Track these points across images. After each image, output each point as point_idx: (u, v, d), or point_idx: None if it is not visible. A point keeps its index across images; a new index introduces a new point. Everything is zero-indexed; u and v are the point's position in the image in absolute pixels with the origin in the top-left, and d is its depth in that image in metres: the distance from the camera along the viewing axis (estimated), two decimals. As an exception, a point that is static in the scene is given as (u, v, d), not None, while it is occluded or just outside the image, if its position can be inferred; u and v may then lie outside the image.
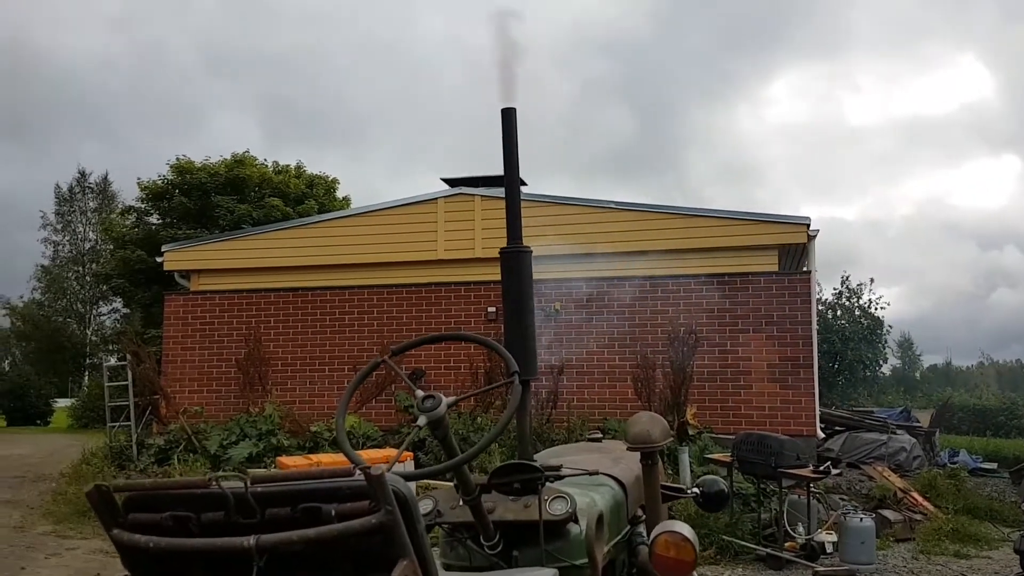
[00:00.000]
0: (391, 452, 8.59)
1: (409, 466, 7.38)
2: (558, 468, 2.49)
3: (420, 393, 2.04)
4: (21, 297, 47.31)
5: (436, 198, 13.57)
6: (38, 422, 31.50)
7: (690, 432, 8.66)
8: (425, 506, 2.32)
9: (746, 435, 7.88)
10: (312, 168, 30.03)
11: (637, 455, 2.80)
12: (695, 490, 3.16)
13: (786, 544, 7.26)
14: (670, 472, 8.42)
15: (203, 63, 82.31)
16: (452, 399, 2.04)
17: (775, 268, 11.92)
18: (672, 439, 2.97)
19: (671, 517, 3.71)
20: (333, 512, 1.29)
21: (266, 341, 12.56)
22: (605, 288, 11.78)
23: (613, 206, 12.77)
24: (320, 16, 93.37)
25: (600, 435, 3.70)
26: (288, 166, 29.05)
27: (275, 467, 9.12)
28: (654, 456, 2.75)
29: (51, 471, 12.98)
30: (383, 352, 2.42)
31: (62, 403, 35.09)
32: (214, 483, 1.34)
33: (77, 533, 8.26)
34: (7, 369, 44.85)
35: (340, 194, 30.33)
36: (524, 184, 16.89)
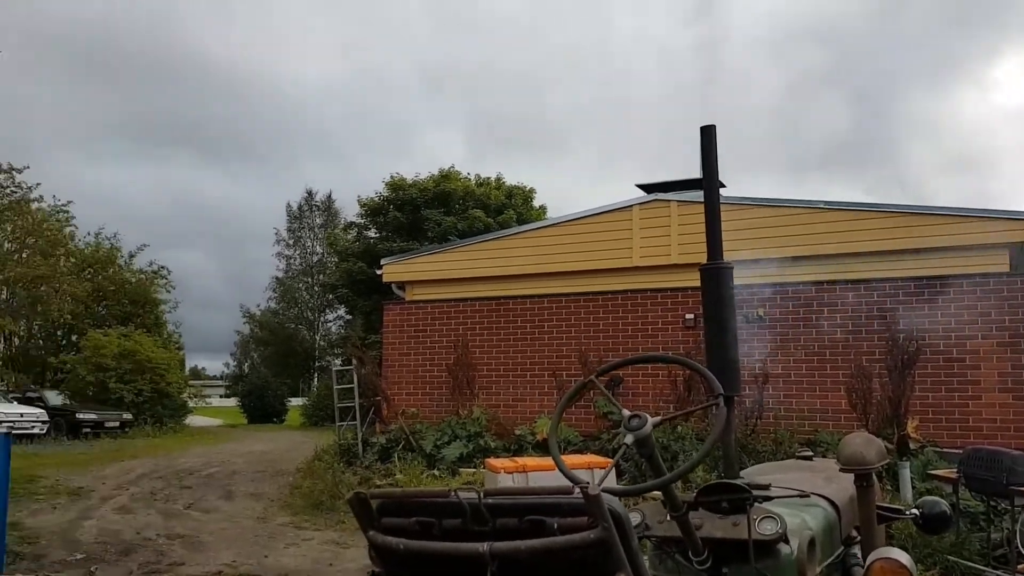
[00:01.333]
0: (592, 458, 8.77)
1: (611, 474, 7.51)
2: (767, 487, 2.52)
3: (626, 412, 2.16)
4: (258, 306, 53.04)
5: (631, 205, 13.65)
6: (274, 420, 34.97)
7: (911, 446, 8.09)
8: (633, 519, 2.44)
9: (974, 450, 7.22)
10: (511, 179, 31.16)
11: (851, 474, 2.74)
12: (914, 511, 3.02)
13: (1019, 566, 6.59)
14: (889, 488, 7.91)
15: (417, 82, 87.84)
16: (658, 419, 2.14)
17: (1006, 268, 10.80)
18: (888, 460, 2.87)
19: (889, 537, 3.55)
20: (556, 525, 1.46)
21: (473, 347, 13.24)
22: (814, 292, 11.25)
23: (822, 206, 12.16)
24: (520, 25, 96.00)
25: (810, 453, 3.61)
26: (489, 178, 30.33)
27: (484, 468, 9.61)
28: (869, 478, 2.69)
29: (288, 466, 14.42)
30: (586, 375, 2.56)
31: (295, 402, 38.70)
32: (453, 494, 1.55)
33: (312, 525, 9.04)
34: (247, 371, 50.31)
35: (537, 203, 31.15)
36: (723, 186, 16.49)
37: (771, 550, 2.26)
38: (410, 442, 12.02)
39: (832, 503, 2.75)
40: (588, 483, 1.47)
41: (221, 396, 55.71)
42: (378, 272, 16.22)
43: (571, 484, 1.55)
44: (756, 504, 2.28)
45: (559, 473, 2.37)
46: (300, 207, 54.20)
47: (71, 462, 15.28)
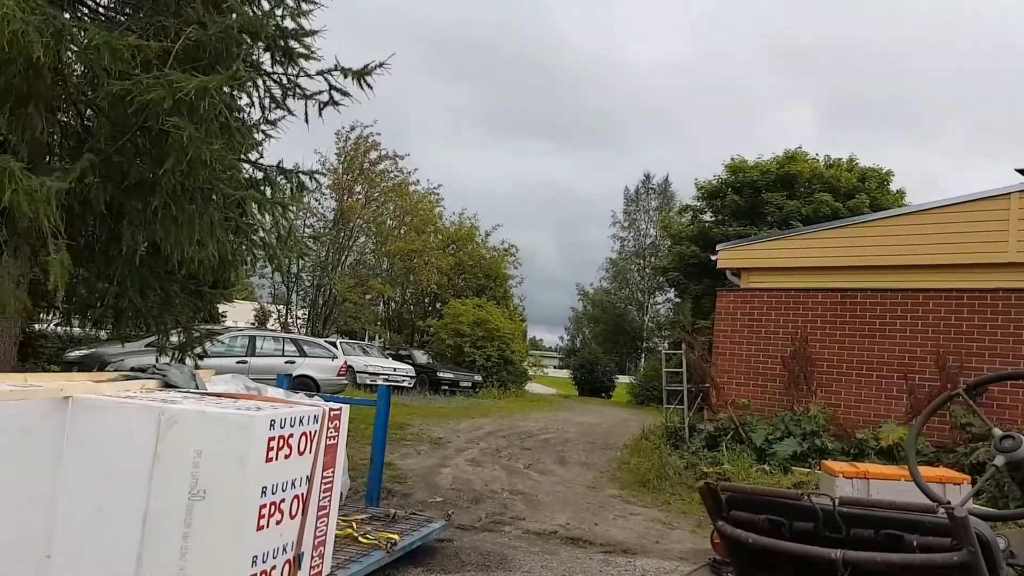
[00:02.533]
0: (944, 472, 7.88)
1: (966, 489, 6.72)
2: None
3: (998, 432, 2.01)
4: (591, 284, 55.44)
5: (1009, 193, 11.82)
6: (603, 394, 36.39)
7: None
8: (998, 544, 2.25)
9: None
10: (866, 160, 28.71)
11: None
12: None
13: None
14: None
15: (766, 60, 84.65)
16: None
17: None
18: None
19: None
20: (915, 543, 1.43)
21: (812, 341, 12.58)
22: None
23: None
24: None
25: None
26: (840, 159, 28.27)
27: (819, 469, 9.15)
28: None
29: (616, 440, 15.02)
30: (943, 380, 2.40)
31: (622, 379, 39.92)
32: (806, 498, 1.59)
33: (638, 500, 9.33)
34: (579, 346, 52.92)
35: (894, 187, 28.31)
36: None
37: None
38: (739, 433, 11.83)
39: None
40: (949, 503, 1.43)
41: (555, 367, 59.41)
42: (712, 257, 16.04)
43: (932, 503, 1.50)
44: None
45: (906, 486, 2.26)
46: (637, 190, 55.45)
47: (432, 414, 17.49)
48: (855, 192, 26.35)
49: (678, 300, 37.30)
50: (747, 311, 13.80)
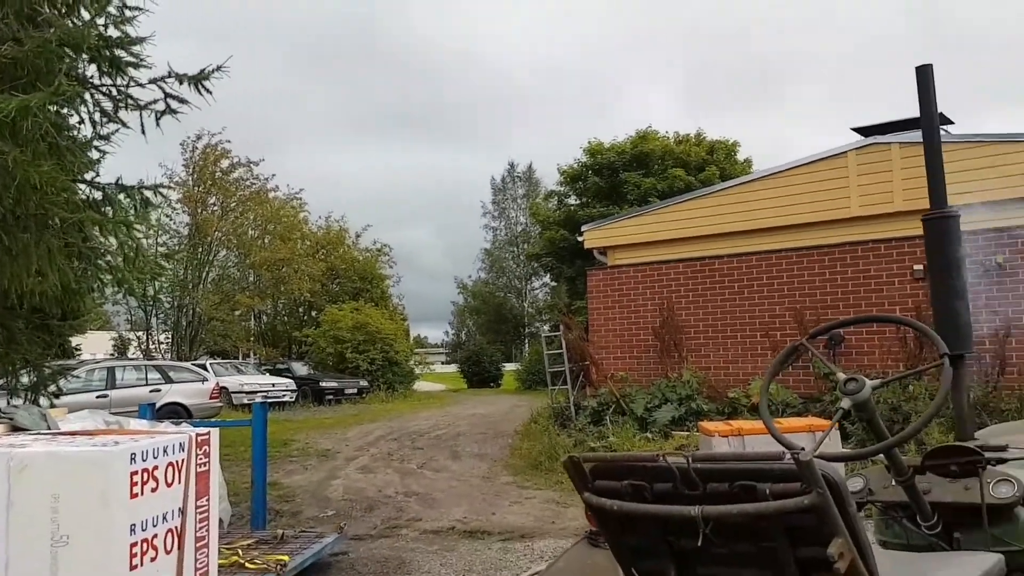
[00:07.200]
0: (812, 421, 8.41)
1: (835, 437, 7.20)
2: (1003, 448, 2.38)
3: (842, 375, 2.13)
4: (470, 276, 55.66)
5: (846, 151, 12.76)
6: (491, 384, 36.65)
7: None
8: (855, 484, 2.40)
9: None
10: (716, 134, 30.12)
11: None
12: None
13: None
14: None
15: (621, 42, 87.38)
16: (876, 382, 2.09)
17: None
18: None
19: None
20: (768, 491, 1.50)
21: (679, 310, 13.11)
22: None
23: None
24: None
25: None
26: (688, 135, 29.51)
27: (698, 431, 9.56)
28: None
29: (507, 428, 15.16)
30: (802, 334, 2.54)
31: (509, 367, 40.32)
32: (661, 459, 1.64)
33: (533, 484, 9.45)
34: (464, 339, 53.05)
35: (741, 156, 29.90)
36: (951, 123, 14.93)
37: (1007, 514, 2.14)
38: (620, 405, 12.20)
39: None
40: (802, 448, 1.50)
41: (443, 363, 59.22)
42: (579, 239, 16.44)
43: (782, 449, 1.57)
44: (990, 467, 2.17)
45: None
46: (503, 179, 55.95)
47: (318, 426, 17.05)
48: (705, 165, 27.63)
49: (554, 284, 38.00)
50: (616, 287, 14.22)
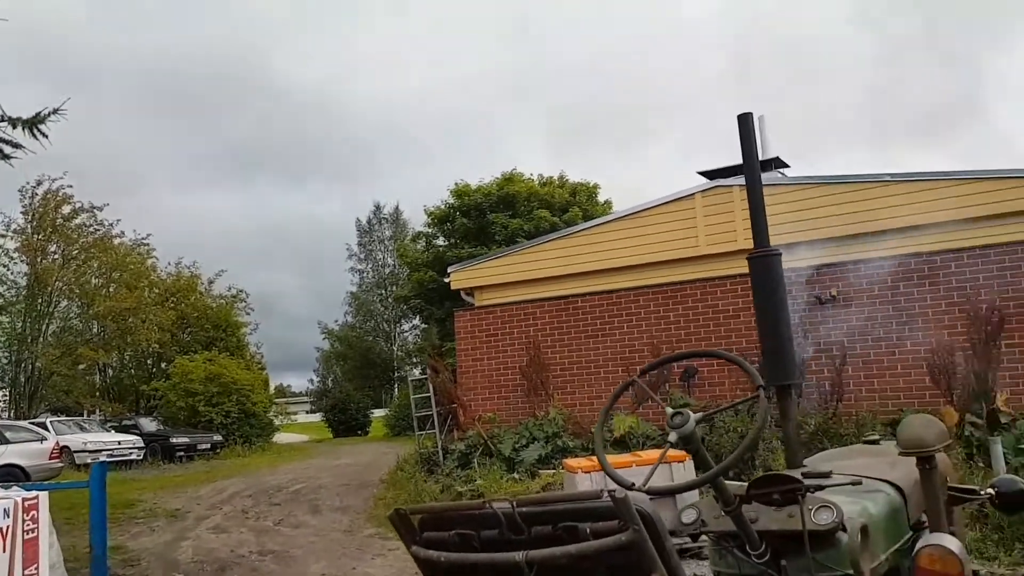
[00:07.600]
0: (671, 452, 8.67)
1: (689, 466, 7.41)
2: (827, 475, 2.47)
3: (670, 410, 2.17)
4: (336, 321, 54.37)
5: (694, 193, 13.47)
6: (359, 432, 35.66)
7: (1003, 420, 7.73)
8: (689, 516, 2.42)
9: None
10: (579, 176, 31.15)
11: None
12: (989, 491, 2.91)
13: None
14: (981, 465, 7.58)
15: (493, 88, 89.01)
16: (699, 415, 2.14)
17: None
18: (950, 442, 2.78)
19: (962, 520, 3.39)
20: (588, 530, 1.47)
21: (544, 348, 13.27)
22: (888, 268, 10.87)
23: (888, 179, 11.76)
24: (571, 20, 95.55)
25: (877, 437, 3.53)
26: (551, 177, 30.33)
27: (562, 469, 9.61)
28: (930, 460, 2.61)
29: (372, 477, 14.73)
30: (632, 373, 2.57)
31: (378, 413, 39.46)
32: (488, 505, 1.58)
33: (396, 535, 9.22)
34: (330, 386, 51.59)
35: (602, 198, 30.99)
36: (786, 166, 16.07)
37: (829, 540, 2.22)
38: (488, 447, 12.12)
39: (897, 488, 2.67)
40: (632, 484, 1.48)
41: (307, 412, 57.23)
42: (446, 280, 16.41)
43: (597, 490, 1.56)
44: (810, 494, 2.24)
45: (638, 471, 2.37)
46: (369, 221, 55.36)
47: (167, 485, 15.97)
48: (568, 206, 28.44)
49: (425, 326, 37.66)
50: (483, 327, 14.24)
